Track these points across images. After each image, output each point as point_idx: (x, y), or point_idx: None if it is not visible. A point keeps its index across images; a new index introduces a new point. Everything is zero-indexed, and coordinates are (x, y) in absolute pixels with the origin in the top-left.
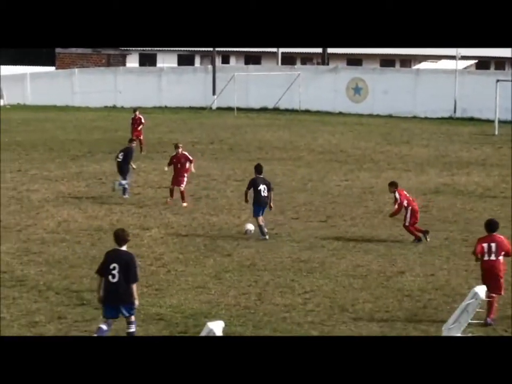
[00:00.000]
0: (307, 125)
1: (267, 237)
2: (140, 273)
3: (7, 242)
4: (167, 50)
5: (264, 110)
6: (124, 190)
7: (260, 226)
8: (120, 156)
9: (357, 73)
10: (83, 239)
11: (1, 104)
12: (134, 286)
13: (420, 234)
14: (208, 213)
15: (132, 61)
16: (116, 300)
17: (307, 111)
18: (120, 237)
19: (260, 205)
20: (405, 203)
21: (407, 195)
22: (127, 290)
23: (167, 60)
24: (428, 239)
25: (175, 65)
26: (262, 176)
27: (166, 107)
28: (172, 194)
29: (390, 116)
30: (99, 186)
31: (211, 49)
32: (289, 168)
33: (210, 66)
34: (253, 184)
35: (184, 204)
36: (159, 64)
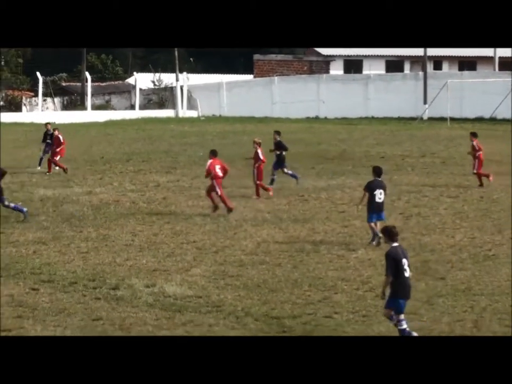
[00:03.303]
0: None
1: (374, 243)
2: (346, 298)
3: (203, 265)
4: (374, 55)
5: (479, 120)
6: None
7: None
8: None
9: None
10: (284, 261)
11: (196, 116)
12: None
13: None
14: (420, 233)
15: (336, 68)
16: (409, 294)
17: None
18: (393, 232)
19: (373, 210)
20: None
21: None
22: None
23: (374, 66)
24: None
25: (383, 71)
26: (380, 179)
27: (373, 117)
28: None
29: None
30: (301, 204)
31: (421, 54)
32: (508, 184)
33: (421, 73)
34: (369, 187)
35: None
36: (365, 71)
